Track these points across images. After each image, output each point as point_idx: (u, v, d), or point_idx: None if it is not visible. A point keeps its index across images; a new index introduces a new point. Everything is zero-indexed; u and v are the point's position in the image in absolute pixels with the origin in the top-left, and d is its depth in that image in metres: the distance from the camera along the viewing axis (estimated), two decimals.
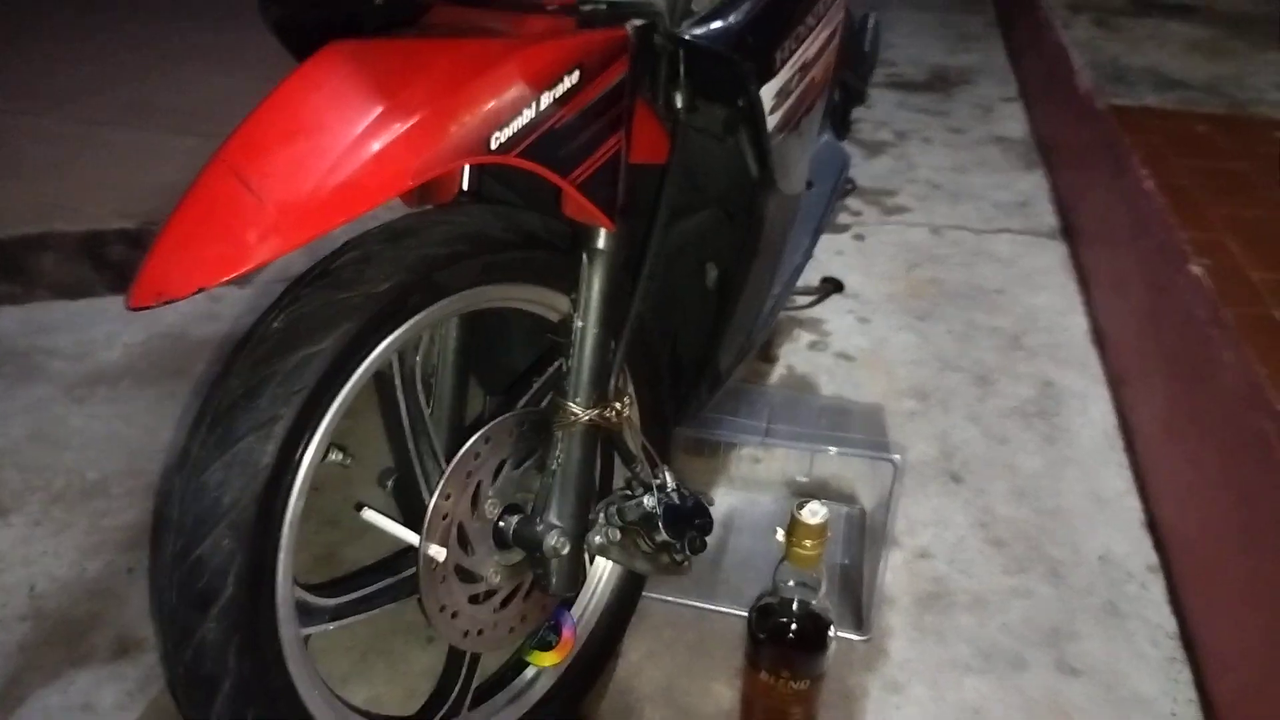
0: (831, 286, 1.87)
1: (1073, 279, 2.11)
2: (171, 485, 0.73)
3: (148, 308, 0.66)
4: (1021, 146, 2.79)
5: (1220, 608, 1.19)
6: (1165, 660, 1.24)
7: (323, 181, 0.67)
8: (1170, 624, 1.29)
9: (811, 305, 1.91)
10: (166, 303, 0.65)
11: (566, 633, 1.05)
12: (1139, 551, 1.40)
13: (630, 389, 1.00)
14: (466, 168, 0.89)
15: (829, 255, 2.18)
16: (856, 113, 2.45)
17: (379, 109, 0.69)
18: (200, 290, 0.65)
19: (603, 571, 1.13)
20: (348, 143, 0.68)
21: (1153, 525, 1.44)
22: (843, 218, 2.34)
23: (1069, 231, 2.27)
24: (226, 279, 0.65)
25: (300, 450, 0.75)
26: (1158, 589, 1.34)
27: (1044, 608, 1.31)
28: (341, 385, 0.77)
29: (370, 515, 0.90)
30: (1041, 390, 1.75)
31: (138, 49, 2.94)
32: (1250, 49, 2.56)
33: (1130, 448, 1.59)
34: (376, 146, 0.68)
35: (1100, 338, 1.87)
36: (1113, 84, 2.27)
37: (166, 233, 0.67)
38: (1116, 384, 1.72)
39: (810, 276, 1.94)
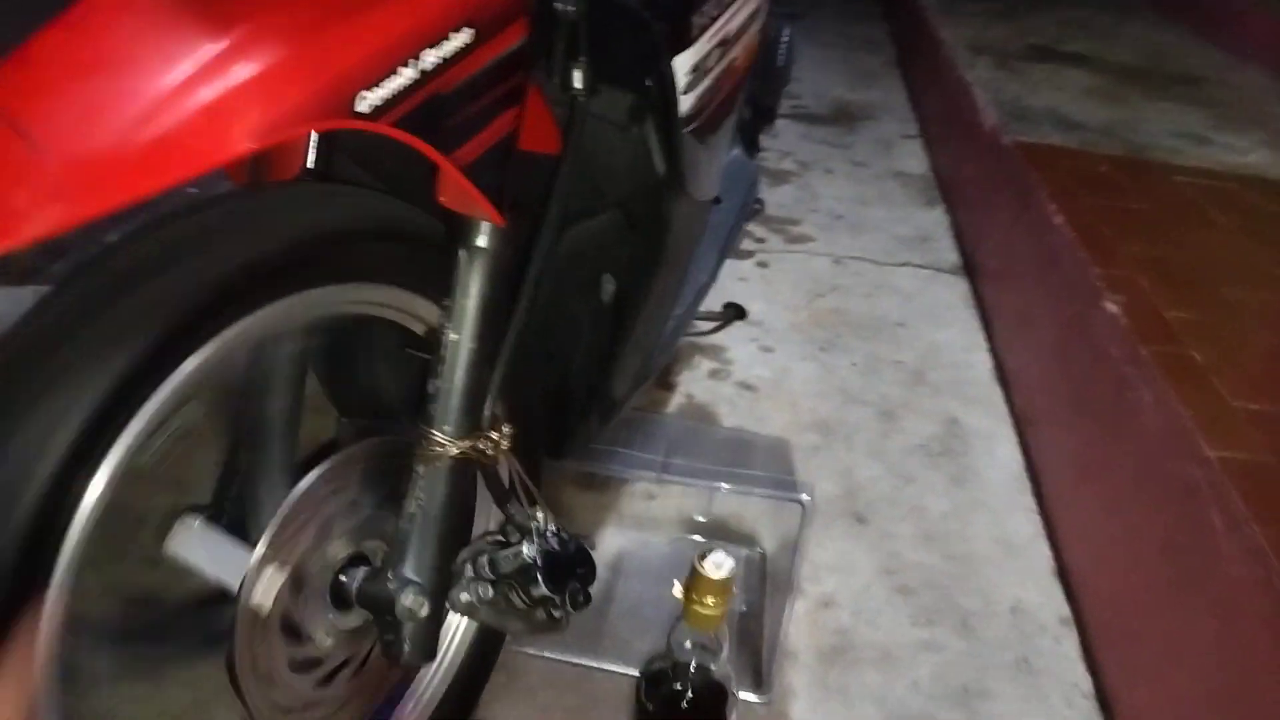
0: (734, 313, 1.77)
1: (975, 315, 2.06)
2: None
3: None
4: (921, 182, 2.78)
5: (1138, 665, 1.12)
6: None
7: (131, 133, 0.49)
8: (1085, 682, 1.20)
9: (714, 331, 1.80)
10: None
11: (404, 716, 0.88)
12: (1051, 602, 1.33)
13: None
14: (315, 137, 0.73)
15: (732, 281, 2.08)
16: (762, 141, 2.38)
17: (213, 46, 0.52)
18: None
19: (455, 629, 0.96)
20: (169, 86, 0.50)
21: (1063, 573, 1.37)
22: (746, 243, 2.26)
23: (971, 267, 2.24)
24: None
25: (85, 477, 0.56)
26: (1071, 643, 1.26)
27: (955, 663, 1.22)
28: (127, 417, 0.58)
29: (180, 550, 0.72)
30: (947, 428, 1.68)
31: None
32: (1142, 97, 2.62)
33: (1038, 491, 1.52)
34: (207, 95, 0.51)
35: (1005, 375, 1.82)
36: (1016, 122, 2.26)
37: None
38: (1023, 423, 1.67)
39: (713, 302, 1.83)
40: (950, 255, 2.34)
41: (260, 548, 0.69)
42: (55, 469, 0.54)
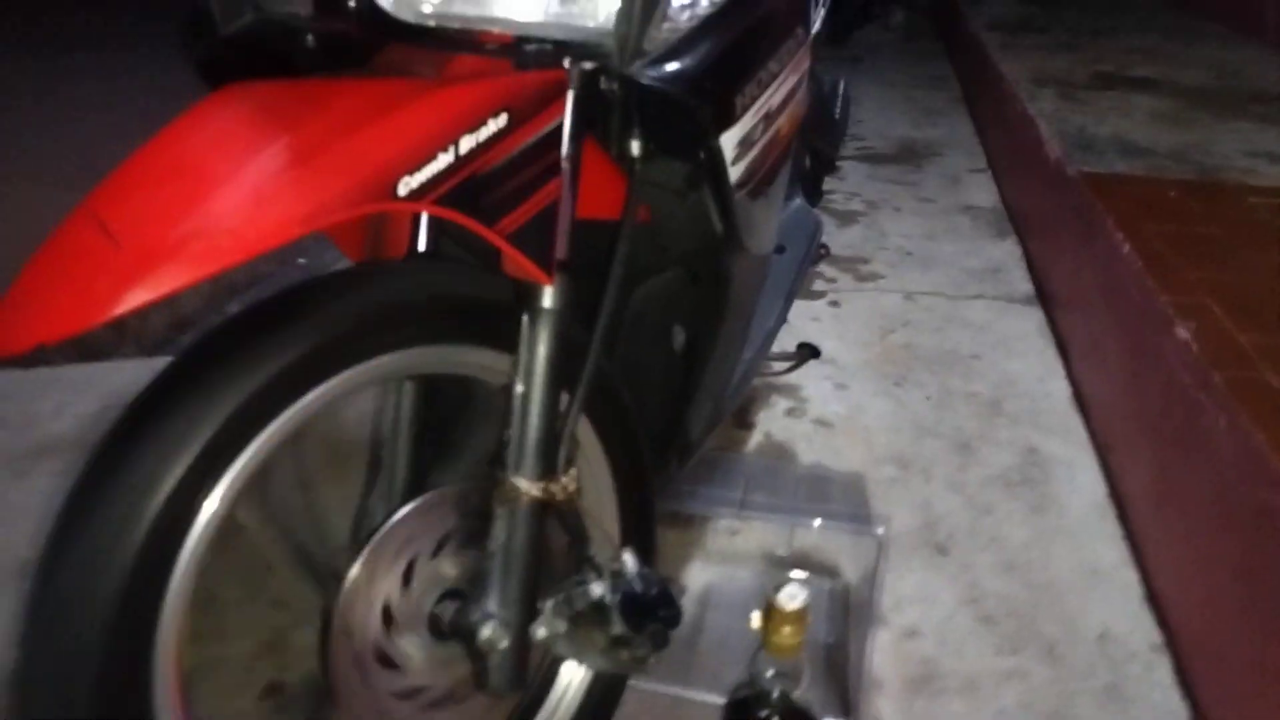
0: (808, 352, 1.82)
1: (1051, 344, 2.07)
2: (36, 578, 0.63)
3: None
4: (991, 215, 2.79)
5: (1236, 691, 1.11)
6: None
7: (193, 228, 0.59)
8: (1181, 709, 1.20)
9: (788, 371, 1.86)
10: (3, 359, 0.58)
11: None
12: (1140, 628, 1.32)
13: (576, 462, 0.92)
14: (424, 223, 0.82)
15: (804, 321, 2.13)
16: (828, 183, 2.44)
17: (266, 151, 0.63)
18: (40, 345, 0.57)
19: (574, 671, 1.02)
20: (226, 185, 0.61)
21: (1153, 600, 1.36)
22: (818, 284, 2.31)
23: (1044, 297, 2.24)
24: (72, 333, 0.57)
25: (182, 531, 0.65)
26: (1164, 670, 1.26)
27: (1041, 691, 1.23)
28: (241, 448, 0.68)
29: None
30: (1025, 457, 1.69)
31: (103, 118, 2.89)
32: (1213, 119, 2.59)
33: (1123, 517, 1.52)
34: (259, 190, 0.61)
35: (1083, 403, 1.82)
36: (1081, 152, 2.27)
37: (19, 282, 0.60)
38: (1104, 451, 1.67)
39: (786, 342, 1.89)
40: (1023, 286, 2.35)
41: (349, 577, 0.77)
42: (176, 483, 0.64)
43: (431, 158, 0.68)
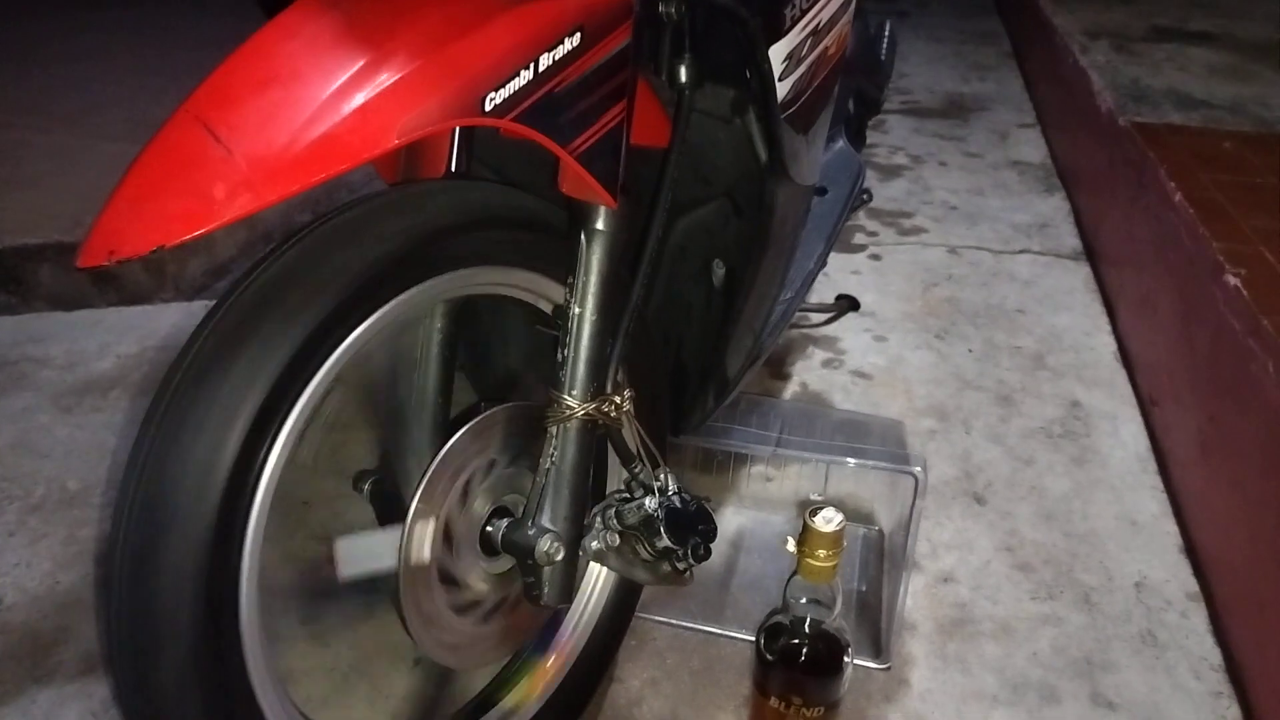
0: (847, 304, 1.80)
1: (1097, 299, 2.03)
2: (122, 493, 0.64)
3: (100, 266, 0.59)
4: (1040, 170, 2.73)
5: (1271, 639, 1.10)
6: (1210, 694, 1.14)
7: (299, 135, 0.60)
8: (1215, 656, 1.19)
9: (827, 323, 1.85)
10: (120, 261, 0.58)
11: (554, 653, 0.97)
12: (1177, 578, 1.31)
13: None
14: (456, 141, 0.83)
15: (844, 274, 2.11)
16: (871, 138, 2.40)
17: (362, 60, 0.63)
18: (159, 249, 0.57)
19: (595, 583, 1.05)
20: (327, 95, 0.61)
21: (1191, 550, 1.35)
22: (858, 238, 2.29)
23: (1092, 252, 2.20)
24: (190, 236, 0.57)
25: (265, 448, 0.66)
26: (1199, 618, 1.25)
27: (1076, 636, 1.22)
28: (311, 375, 0.68)
29: (345, 546, 0.82)
30: (1068, 411, 1.67)
31: (148, 70, 2.94)
32: (1274, 73, 2.51)
33: (1164, 470, 1.50)
34: (360, 100, 0.62)
35: (1128, 358, 1.79)
36: (1134, 104, 2.21)
37: (123, 186, 0.60)
38: (1147, 404, 1.64)
39: (825, 294, 1.87)
40: (1071, 241, 2.30)
41: (414, 503, 0.79)
42: (242, 440, 0.64)
43: (514, 74, 0.68)
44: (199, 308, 1.92)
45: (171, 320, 1.87)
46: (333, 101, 0.61)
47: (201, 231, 0.58)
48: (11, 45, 3.16)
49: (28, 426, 1.55)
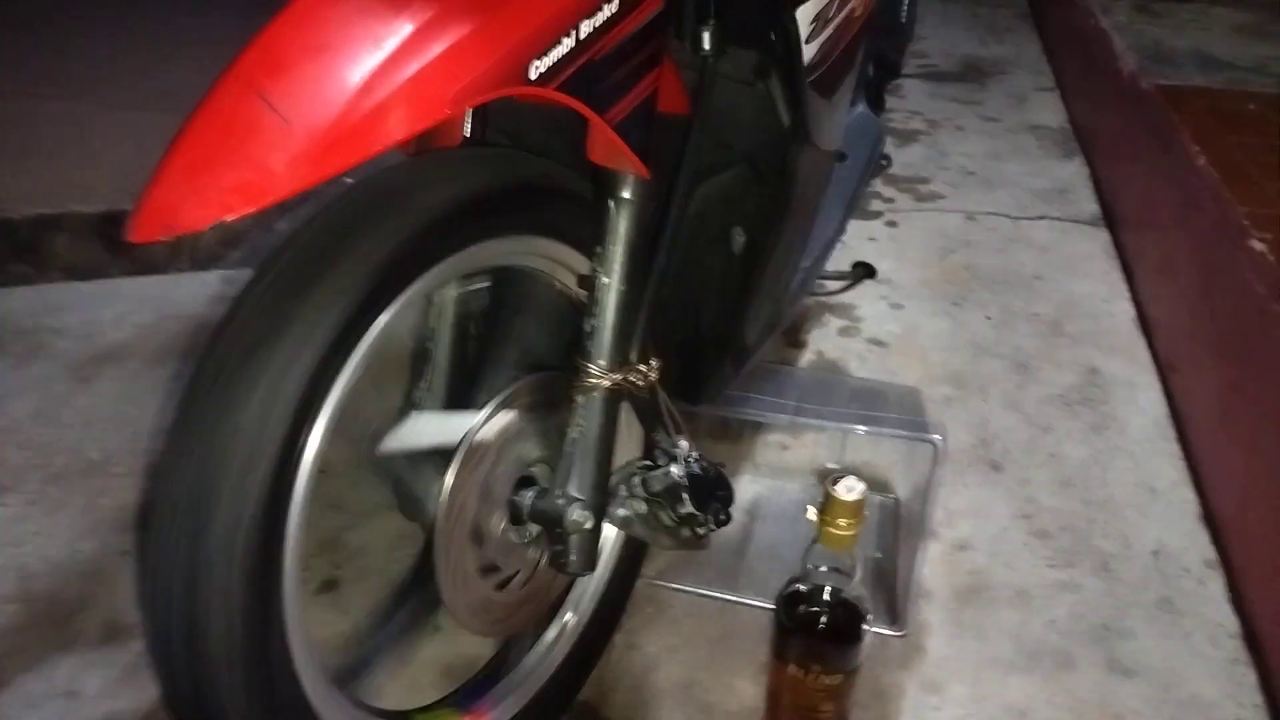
0: (863, 271, 1.80)
1: (1116, 265, 2.01)
2: (167, 458, 0.64)
3: (154, 242, 0.57)
4: (1059, 135, 2.70)
5: None
6: (1227, 661, 1.14)
7: (355, 104, 0.58)
8: (1232, 623, 1.19)
9: (843, 291, 1.84)
10: (176, 236, 0.57)
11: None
12: (1195, 545, 1.31)
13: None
14: (470, 111, 0.82)
15: (860, 241, 2.09)
16: (888, 102, 2.36)
17: (411, 26, 0.61)
18: (218, 223, 0.56)
19: (605, 547, 1.05)
20: (380, 62, 0.60)
21: (1209, 518, 1.34)
22: (875, 204, 2.26)
23: (1111, 218, 2.17)
24: (250, 211, 0.56)
25: (312, 417, 0.66)
26: (1217, 585, 1.25)
27: (1093, 603, 1.22)
28: (355, 344, 0.67)
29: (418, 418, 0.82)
30: (1086, 378, 1.66)
31: (163, 39, 2.91)
32: None
33: (1183, 437, 1.49)
34: (413, 69, 0.60)
35: (1148, 324, 1.77)
36: (1157, 65, 2.17)
37: (174, 155, 0.58)
38: (1166, 371, 1.63)
39: (842, 262, 1.86)
40: (1089, 206, 2.27)
41: (451, 474, 0.79)
42: (293, 410, 0.64)
43: (556, 42, 0.67)
44: (214, 277, 1.92)
45: (187, 290, 1.87)
46: (386, 70, 0.60)
47: (262, 205, 0.56)
48: (26, 13, 3.14)
49: (46, 396, 1.55)
